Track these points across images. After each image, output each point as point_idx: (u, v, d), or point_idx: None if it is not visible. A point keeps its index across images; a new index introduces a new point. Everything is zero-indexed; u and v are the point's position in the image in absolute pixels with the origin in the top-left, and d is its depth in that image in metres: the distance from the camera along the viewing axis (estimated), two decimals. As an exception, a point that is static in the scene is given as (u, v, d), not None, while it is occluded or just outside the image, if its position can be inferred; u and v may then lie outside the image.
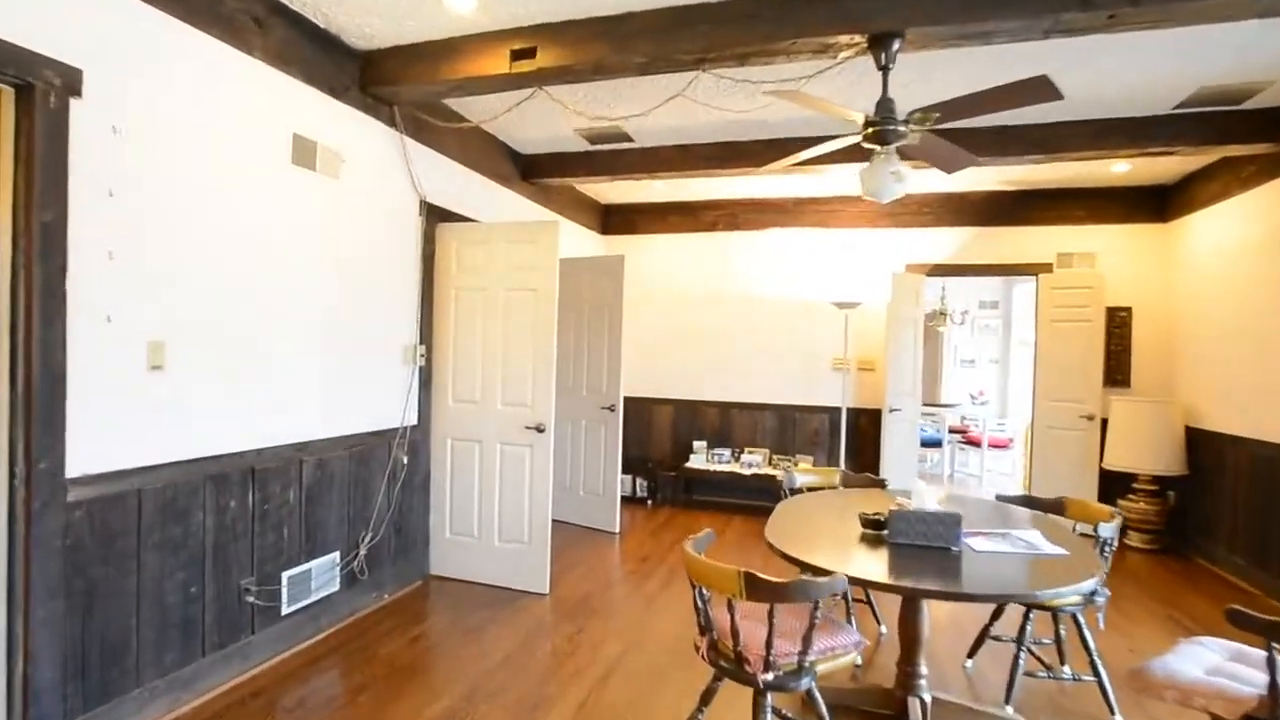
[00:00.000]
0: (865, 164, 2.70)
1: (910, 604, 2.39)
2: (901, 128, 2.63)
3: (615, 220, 6.69)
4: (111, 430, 2.25)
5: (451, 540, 4.00)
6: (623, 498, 5.35)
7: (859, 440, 6.06)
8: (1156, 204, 5.46)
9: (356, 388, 3.40)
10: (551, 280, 3.75)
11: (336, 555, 3.29)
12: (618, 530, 5.19)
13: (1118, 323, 5.49)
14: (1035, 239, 5.71)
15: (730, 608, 2.05)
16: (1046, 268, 5.65)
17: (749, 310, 6.37)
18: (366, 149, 3.43)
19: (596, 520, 5.25)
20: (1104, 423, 5.32)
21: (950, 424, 7.93)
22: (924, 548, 2.25)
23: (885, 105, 2.63)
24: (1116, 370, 5.50)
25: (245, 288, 2.75)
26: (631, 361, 6.59)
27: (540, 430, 3.76)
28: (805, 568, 2.12)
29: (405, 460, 3.77)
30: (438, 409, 4.01)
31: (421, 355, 3.88)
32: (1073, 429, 5.43)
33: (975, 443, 7.62)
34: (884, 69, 2.66)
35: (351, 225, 3.34)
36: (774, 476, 5.81)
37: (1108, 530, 2.55)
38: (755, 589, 1.92)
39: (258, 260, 2.81)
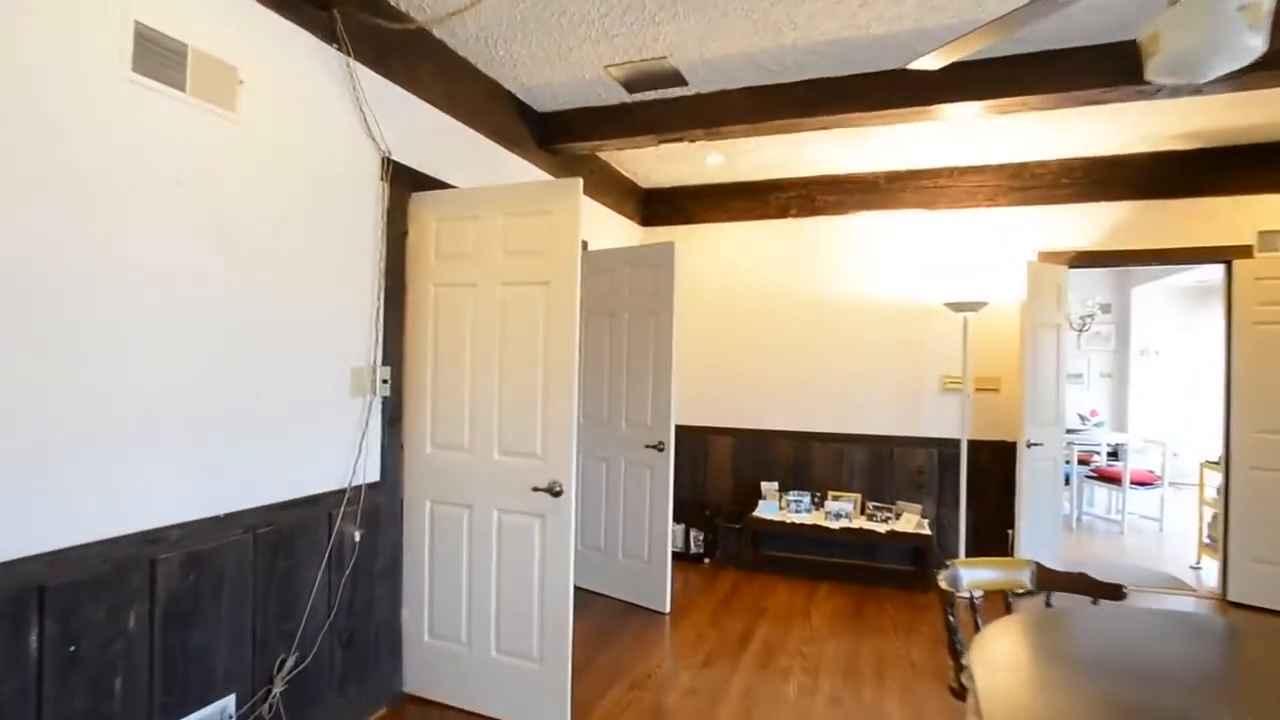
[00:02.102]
0: (1169, 7, 1.37)
1: None
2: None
3: (660, 208, 5.45)
4: None
5: (432, 647, 2.77)
6: (673, 553, 4.05)
7: (980, 482, 4.65)
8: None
9: (267, 434, 2.20)
10: (570, 269, 2.52)
11: (230, 702, 2.08)
12: (668, 609, 3.89)
13: (1354, 325, 4.00)
14: (1225, 213, 4.25)
15: None
16: (1243, 251, 4.19)
17: (831, 317, 5.04)
18: (289, 72, 2.26)
19: (640, 594, 3.97)
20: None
21: (1077, 453, 6.44)
22: None
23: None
24: (1354, 390, 4.00)
25: (32, 274, 1.58)
26: (682, 381, 5.31)
27: (555, 493, 2.51)
28: None
29: (358, 536, 2.56)
30: (411, 459, 2.80)
31: (384, 383, 2.67)
32: (1296, 472, 3.95)
33: (1112, 478, 6.09)
34: None
35: (258, 185, 2.16)
36: (873, 531, 4.43)
37: None
38: None
39: (59, 227, 1.64)
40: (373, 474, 2.65)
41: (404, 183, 2.77)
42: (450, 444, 2.73)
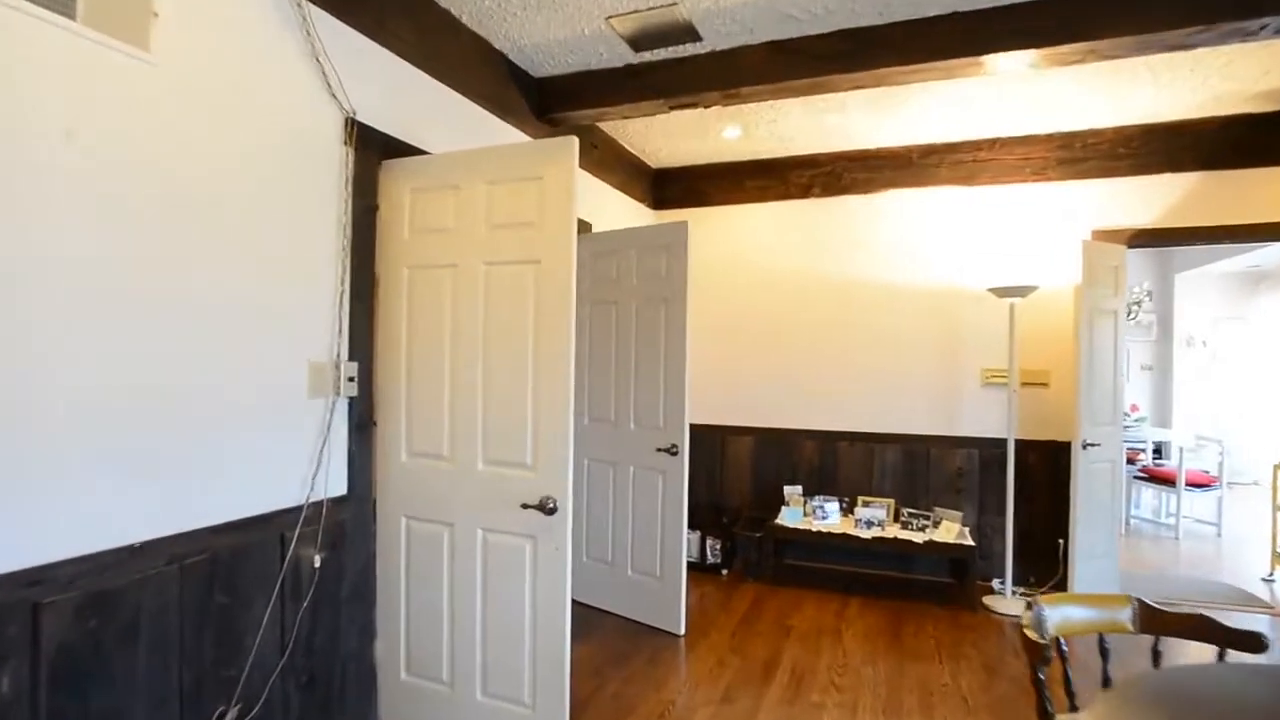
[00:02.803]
0: None
1: None
2: None
3: (672, 189, 5.04)
4: None
5: (410, 686, 2.39)
6: (688, 563, 3.65)
7: (1026, 487, 4.22)
8: None
9: (197, 445, 1.83)
10: (565, 244, 2.12)
11: (150, 771, 1.71)
12: (683, 630, 3.49)
13: None
14: (1309, 184, 3.79)
15: None
16: (1331, 227, 3.73)
17: (859, 305, 4.61)
18: (222, 10, 1.88)
19: (652, 613, 3.58)
20: None
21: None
22: None
23: None
24: None
25: None
26: (696, 376, 4.91)
27: (549, 511, 2.12)
28: None
29: (319, 560, 2.19)
30: (384, 470, 2.42)
31: (350, 381, 2.29)
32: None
33: (1164, 479, 5.62)
34: None
35: (184, 145, 1.78)
36: (910, 541, 4.01)
37: None
38: None
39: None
40: (337, 487, 2.28)
41: (373, 149, 2.38)
42: (428, 451, 2.35)
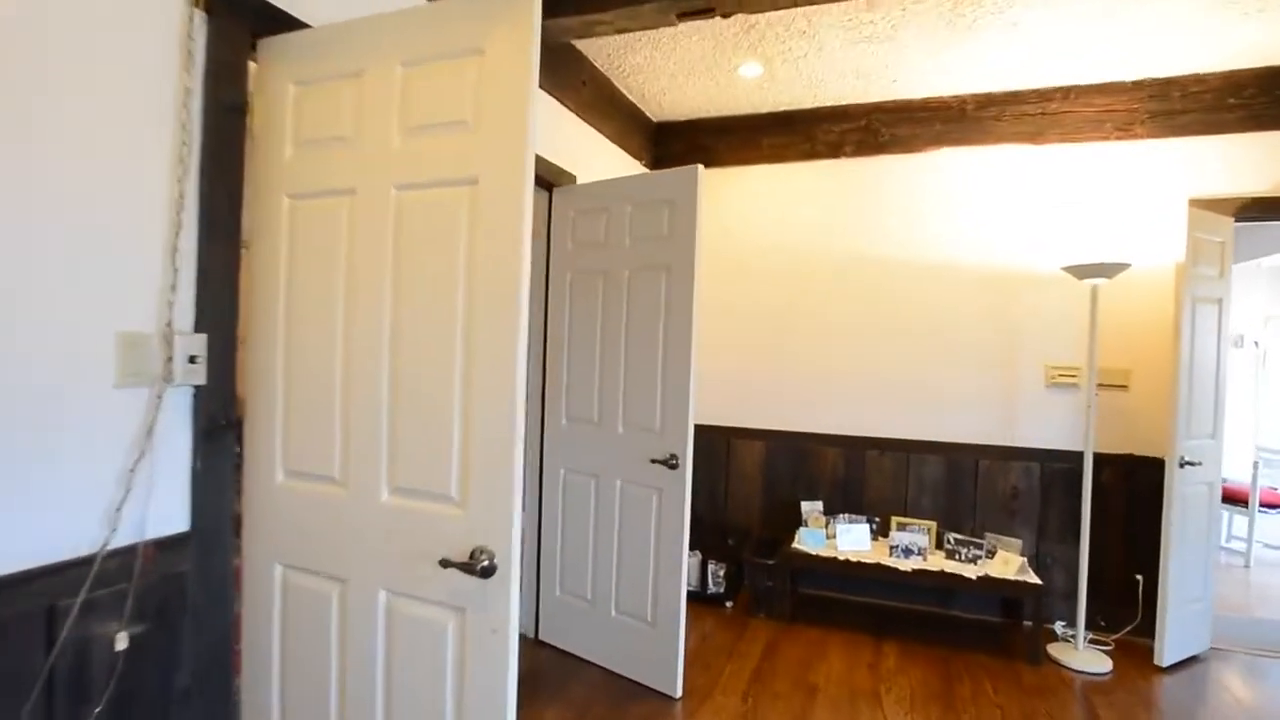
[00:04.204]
0: None
1: None
2: None
3: (674, 146, 4.26)
4: None
5: (284, 812, 1.63)
6: (686, 591, 2.88)
7: (1103, 511, 3.47)
8: None
9: None
10: (517, 152, 1.34)
11: None
12: (679, 691, 2.74)
13: None
14: None
15: None
16: None
17: (895, 286, 3.85)
18: None
19: (640, 668, 2.82)
20: None
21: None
22: None
23: None
24: None
25: None
26: (699, 367, 4.15)
27: (483, 571, 1.34)
28: None
29: (123, 640, 1.41)
30: (251, 494, 1.65)
31: (191, 362, 1.51)
32: None
33: (1235, 499, 4.90)
34: None
35: None
36: (960, 577, 3.26)
37: None
38: None
39: None
40: (170, 522, 1.50)
41: (241, 19, 1.59)
42: (313, 471, 1.57)
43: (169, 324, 1.47)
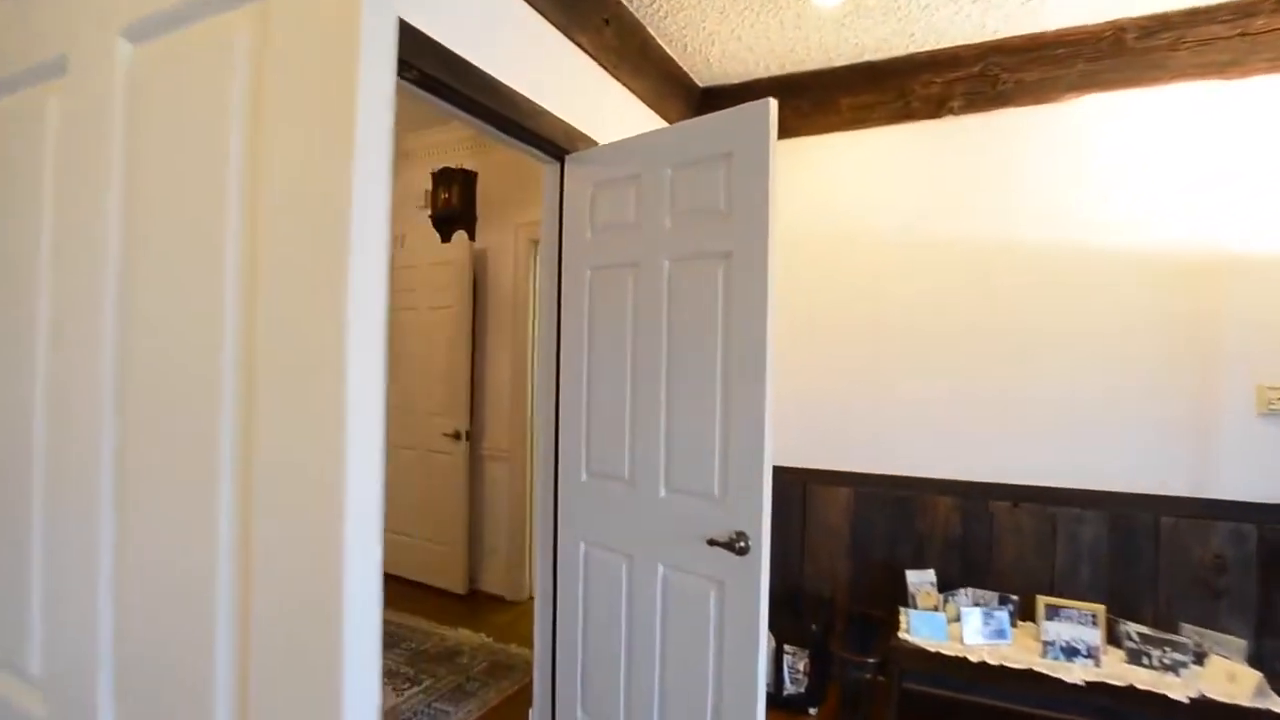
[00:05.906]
0: None
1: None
2: None
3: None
4: None
5: None
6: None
7: (1355, 593, 2.42)
8: None
9: None
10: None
11: None
12: None
13: None
14: None
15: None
16: None
17: (1025, 283, 2.89)
18: None
19: (699, 843, 1.91)
20: None
21: None
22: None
23: None
24: None
25: None
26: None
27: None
28: None
29: None
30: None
31: None
32: None
33: None
34: None
35: None
36: (1162, 696, 2.24)
37: None
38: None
39: None
40: None
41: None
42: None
43: None
